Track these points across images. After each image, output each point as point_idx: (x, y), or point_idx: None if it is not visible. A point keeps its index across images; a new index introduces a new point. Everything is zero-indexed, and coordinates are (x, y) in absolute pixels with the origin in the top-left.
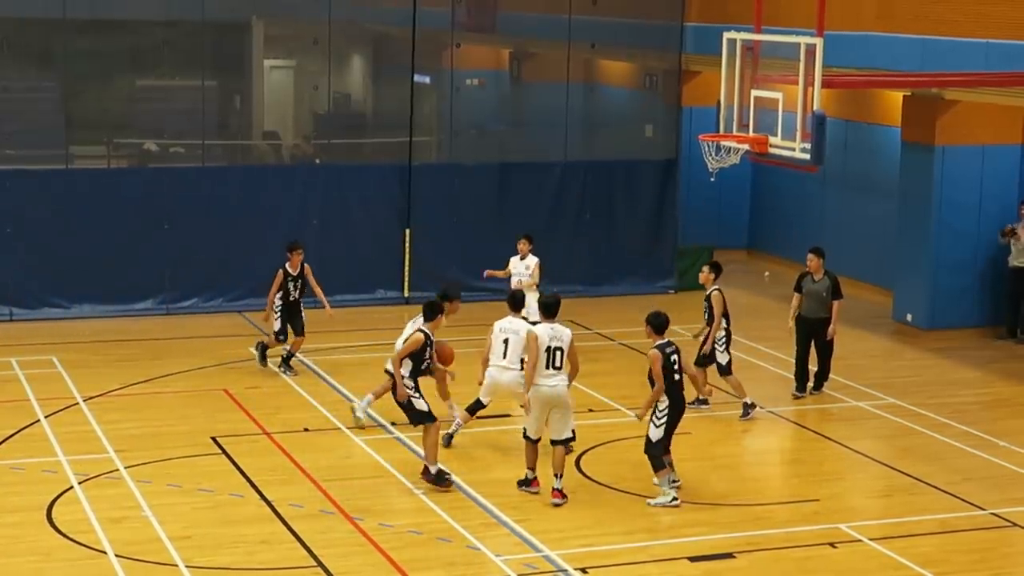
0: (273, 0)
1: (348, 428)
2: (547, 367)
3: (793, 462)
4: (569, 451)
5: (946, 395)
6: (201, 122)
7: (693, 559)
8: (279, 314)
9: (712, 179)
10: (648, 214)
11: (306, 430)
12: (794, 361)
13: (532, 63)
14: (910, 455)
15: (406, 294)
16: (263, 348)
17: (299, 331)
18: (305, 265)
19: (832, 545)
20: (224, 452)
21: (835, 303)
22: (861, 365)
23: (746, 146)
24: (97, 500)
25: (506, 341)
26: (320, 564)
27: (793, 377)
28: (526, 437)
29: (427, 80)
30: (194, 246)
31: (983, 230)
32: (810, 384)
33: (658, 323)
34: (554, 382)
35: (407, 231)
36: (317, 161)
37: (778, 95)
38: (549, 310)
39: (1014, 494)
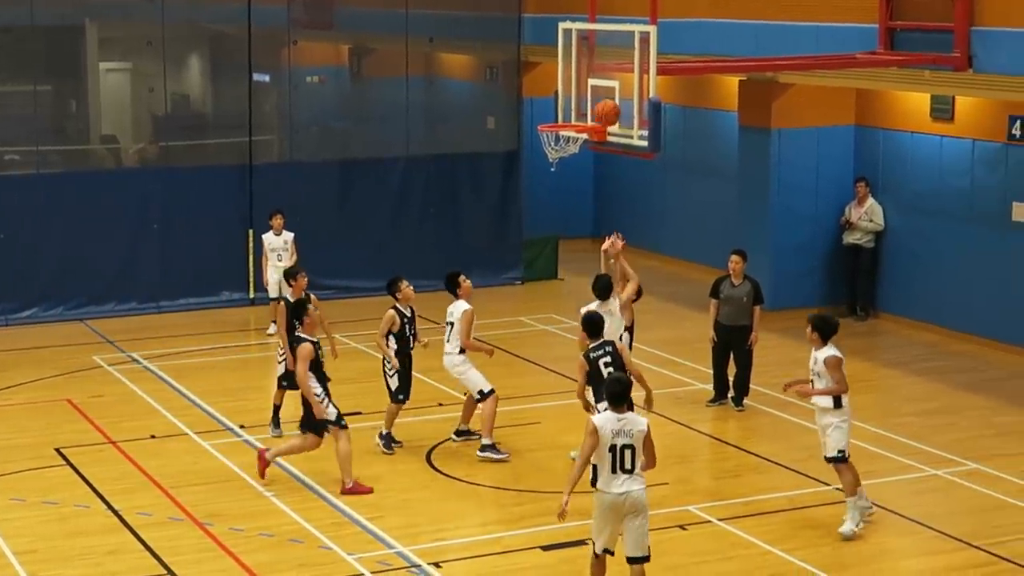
0: (105, 2)
1: (196, 433)
2: (613, 470)
3: None
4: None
5: (789, 373)
6: (35, 128)
7: (546, 548)
8: (283, 354)
9: (553, 169)
10: (493, 206)
11: (152, 437)
12: (712, 370)
13: (372, 59)
14: (756, 435)
15: (251, 295)
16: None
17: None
18: (312, 295)
19: (682, 527)
20: (69, 463)
21: (756, 309)
22: (705, 347)
23: (585, 135)
24: None
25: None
26: (170, 572)
27: (712, 388)
28: (593, 552)
29: (266, 79)
30: (32, 255)
31: (821, 211)
32: (730, 395)
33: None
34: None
35: (250, 232)
36: (144, 164)
37: (615, 83)
38: (616, 398)
39: (858, 468)
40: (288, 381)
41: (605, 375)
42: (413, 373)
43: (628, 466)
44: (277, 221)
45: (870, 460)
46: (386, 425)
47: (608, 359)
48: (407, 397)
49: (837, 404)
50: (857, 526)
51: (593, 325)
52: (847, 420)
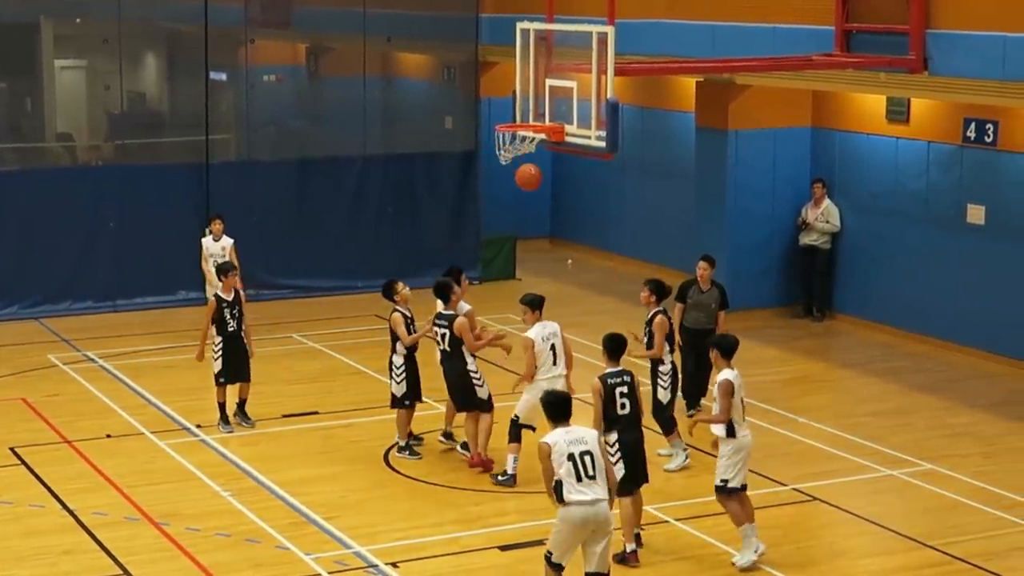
0: None
1: (152, 432)
2: (579, 478)
3: None
4: None
5: (747, 374)
6: None
7: (503, 548)
8: (218, 352)
9: (510, 163)
10: (450, 206)
11: (108, 436)
12: (681, 377)
13: (329, 58)
14: (710, 434)
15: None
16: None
17: (244, 375)
18: (241, 293)
19: (639, 527)
20: (23, 463)
21: (721, 314)
22: None
23: (542, 135)
24: None
25: (552, 347)
26: (125, 571)
27: (681, 394)
28: (548, 563)
29: (223, 77)
30: None
31: (777, 212)
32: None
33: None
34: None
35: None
36: (100, 163)
37: (572, 84)
38: (561, 415)
39: (814, 468)
40: (224, 378)
41: (618, 405)
42: (390, 374)
43: (591, 472)
44: (216, 226)
45: (826, 460)
46: (401, 436)
47: (625, 388)
48: (412, 400)
49: (730, 433)
50: (756, 552)
51: (617, 346)
52: (740, 451)
